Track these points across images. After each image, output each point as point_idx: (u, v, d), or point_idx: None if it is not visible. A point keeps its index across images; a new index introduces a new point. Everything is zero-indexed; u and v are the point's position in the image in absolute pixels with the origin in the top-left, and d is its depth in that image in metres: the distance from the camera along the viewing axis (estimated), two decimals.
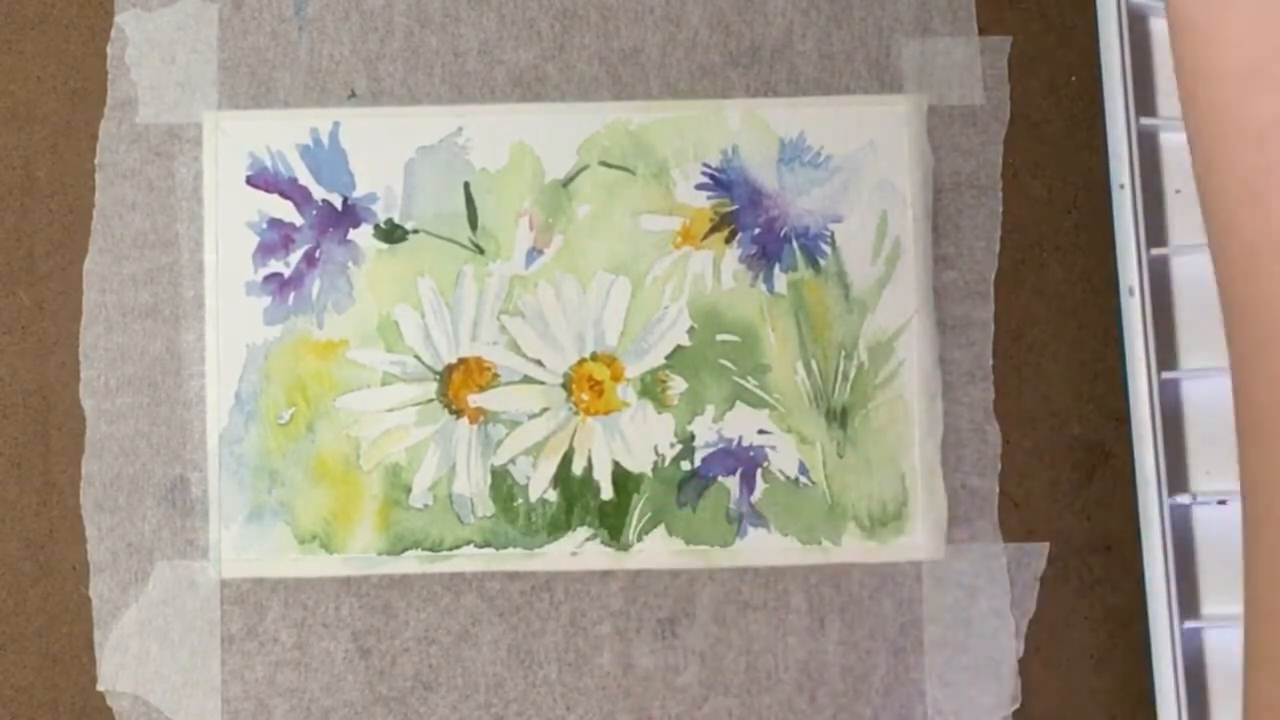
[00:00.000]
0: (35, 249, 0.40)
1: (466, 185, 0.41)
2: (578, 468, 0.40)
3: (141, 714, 0.39)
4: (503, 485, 0.40)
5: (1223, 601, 0.41)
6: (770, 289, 0.41)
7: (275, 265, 0.41)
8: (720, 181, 0.41)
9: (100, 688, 0.39)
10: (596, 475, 0.40)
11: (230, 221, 0.41)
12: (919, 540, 0.40)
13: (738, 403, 0.40)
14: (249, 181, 0.41)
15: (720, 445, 0.40)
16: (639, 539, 0.40)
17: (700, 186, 0.41)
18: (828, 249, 0.41)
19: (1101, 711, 0.40)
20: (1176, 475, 0.41)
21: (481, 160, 0.41)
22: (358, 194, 0.41)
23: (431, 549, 0.40)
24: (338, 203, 0.41)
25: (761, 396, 0.40)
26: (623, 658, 0.40)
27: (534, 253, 0.41)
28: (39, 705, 0.39)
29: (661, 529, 0.40)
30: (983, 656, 0.40)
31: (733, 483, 0.40)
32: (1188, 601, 0.41)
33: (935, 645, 0.40)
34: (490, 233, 0.41)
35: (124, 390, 0.40)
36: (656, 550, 0.40)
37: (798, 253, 0.41)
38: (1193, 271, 0.41)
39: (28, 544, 0.40)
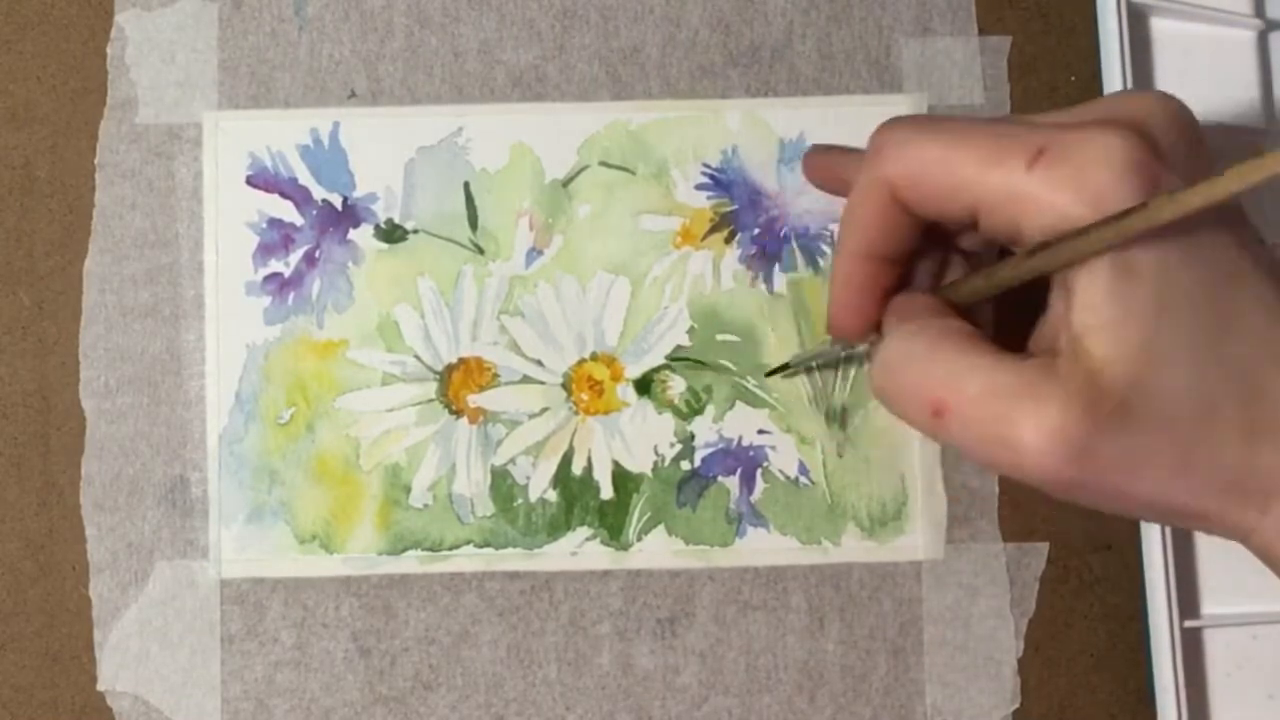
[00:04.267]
0: (35, 249, 0.40)
1: (466, 185, 0.41)
2: (577, 468, 0.40)
3: (141, 714, 0.39)
4: (502, 485, 0.40)
5: (1223, 601, 0.41)
6: (770, 289, 0.41)
7: (275, 265, 0.41)
8: (720, 181, 0.41)
9: (100, 688, 0.39)
10: (596, 475, 0.40)
11: (230, 221, 0.41)
12: (919, 540, 0.40)
13: (738, 403, 0.40)
14: (249, 181, 0.41)
15: (720, 445, 0.40)
16: (639, 539, 0.40)
17: (700, 186, 0.41)
18: (828, 249, 0.41)
19: (1101, 711, 0.40)
20: None
21: (481, 160, 0.41)
22: (358, 194, 0.41)
23: (431, 549, 0.40)
24: (338, 203, 0.41)
25: (761, 396, 0.40)
26: (623, 658, 0.40)
27: (534, 253, 0.41)
28: (39, 705, 0.39)
29: (661, 529, 0.40)
30: (982, 656, 0.40)
31: (732, 483, 0.40)
32: (1188, 601, 0.41)
33: (935, 645, 0.40)
34: (490, 233, 0.41)
35: (124, 390, 0.40)
36: (656, 550, 0.40)
37: (797, 253, 0.41)
38: None
39: (28, 544, 0.40)
